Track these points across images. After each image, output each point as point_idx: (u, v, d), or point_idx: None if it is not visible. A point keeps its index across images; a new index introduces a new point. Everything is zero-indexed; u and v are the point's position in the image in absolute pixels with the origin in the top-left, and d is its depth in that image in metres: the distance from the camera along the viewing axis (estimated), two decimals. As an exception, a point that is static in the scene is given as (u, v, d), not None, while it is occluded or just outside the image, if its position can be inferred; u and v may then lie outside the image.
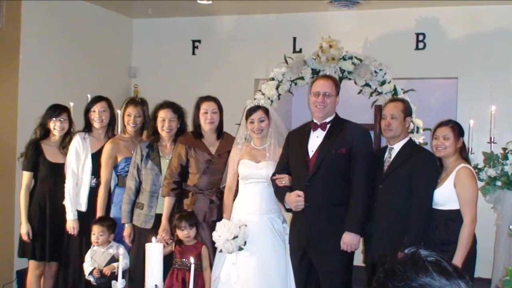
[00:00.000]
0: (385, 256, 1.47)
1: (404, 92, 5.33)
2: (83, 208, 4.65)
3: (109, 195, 4.71)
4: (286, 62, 5.72)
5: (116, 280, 2.93)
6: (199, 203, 4.38)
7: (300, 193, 3.92)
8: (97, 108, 4.74)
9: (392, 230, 3.81)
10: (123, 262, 3.93)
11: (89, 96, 5.10)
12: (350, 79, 5.56)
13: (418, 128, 5.21)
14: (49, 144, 4.72)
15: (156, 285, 2.76)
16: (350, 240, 3.84)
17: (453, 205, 3.78)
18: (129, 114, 4.74)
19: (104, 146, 4.70)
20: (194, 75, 6.99)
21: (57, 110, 4.71)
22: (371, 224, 3.89)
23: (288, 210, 4.12)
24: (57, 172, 4.69)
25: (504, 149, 5.03)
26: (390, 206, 3.86)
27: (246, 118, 4.28)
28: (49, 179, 4.68)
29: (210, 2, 6.22)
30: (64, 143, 4.76)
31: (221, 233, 4.05)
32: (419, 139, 5.11)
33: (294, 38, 6.61)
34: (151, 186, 4.49)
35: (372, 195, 3.88)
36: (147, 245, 2.86)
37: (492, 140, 5.14)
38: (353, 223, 3.84)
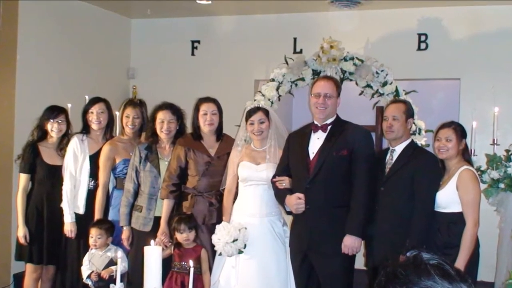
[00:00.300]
0: (387, 259, 1.46)
1: (406, 93, 5.32)
2: (81, 210, 4.62)
3: (107, 198, 4.68)
4: (287, 62, 5.70)
5: (115, 283, 2.91)
6: (199, 206, 4.35)
7: (301, 195, 3.89)
8: (95, 109, 4.70)
9: (393, 233, 3.78)
10: (122, 265, 3.90)
11: (87, 97, 5.07)
12: (351, 80, 5.54)
13: (420, 129, 5.19)
14: (46, 146, 4.69)
15: (154, 289, 2.72)
16: (351, 243, 3.80)
17: (456, 208, 3.74)
18: (127, 116, 4.72)
19: (102, 148, 4.67)
20: (193, 76, 6.96)
21: (54, 111, 4.68)
22: (372, 227, 3.85)
23: (289, 213, 4.09)
24: (55, 174, 4.66)
25: (507, 151, 5.01)
26: (391, 209, 3.83)
27: (246, 120, 4.24)
28: (47, 181, 4.65)
29: (210, 2, 6.20)
30: (62, 145, 4.73)
31: (221, 236, 4.02)
32: (421, 140, 5.09)
33: (295, 39, 6.58)
34: (150, 188, 4.45)
35: (374, 198, 3.85)
36: (146, 248, 2.84)
37: (495, 141, 5.13)
38: (354, 226, 3.81)
